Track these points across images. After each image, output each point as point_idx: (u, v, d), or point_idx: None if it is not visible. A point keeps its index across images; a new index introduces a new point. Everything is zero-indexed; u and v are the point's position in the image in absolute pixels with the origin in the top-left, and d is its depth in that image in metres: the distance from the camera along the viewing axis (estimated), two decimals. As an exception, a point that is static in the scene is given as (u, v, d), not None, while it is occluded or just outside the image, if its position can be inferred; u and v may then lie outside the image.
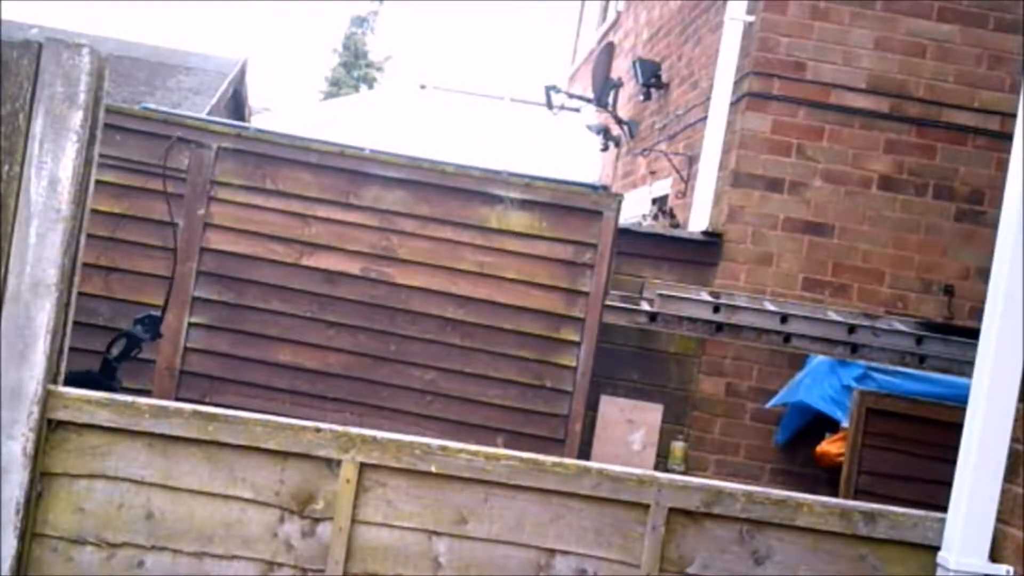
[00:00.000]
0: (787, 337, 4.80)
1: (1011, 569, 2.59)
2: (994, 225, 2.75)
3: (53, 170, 2.64)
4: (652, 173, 7.95)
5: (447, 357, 4.63)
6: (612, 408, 5.75)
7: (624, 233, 5.20)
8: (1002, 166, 4.08)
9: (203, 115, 7.65)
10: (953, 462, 2.70)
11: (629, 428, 5.77)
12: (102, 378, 3.66)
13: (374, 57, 31.86)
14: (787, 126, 5.96)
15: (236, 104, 14.71)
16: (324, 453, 2.73)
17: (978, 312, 2.86)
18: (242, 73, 14.70)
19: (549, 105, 10.03)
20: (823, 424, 5.45)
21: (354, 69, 31.08)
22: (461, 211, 4.66)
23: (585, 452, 5.37)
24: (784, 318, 4.79)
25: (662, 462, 5.70)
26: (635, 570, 2.74)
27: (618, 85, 9.03)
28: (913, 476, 4.58)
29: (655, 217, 7.25)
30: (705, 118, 6.34)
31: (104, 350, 3.79)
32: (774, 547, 2.75)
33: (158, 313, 3.92)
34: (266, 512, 2.73)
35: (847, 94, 5.95)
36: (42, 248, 2.64)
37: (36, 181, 2.64)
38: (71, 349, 2.81)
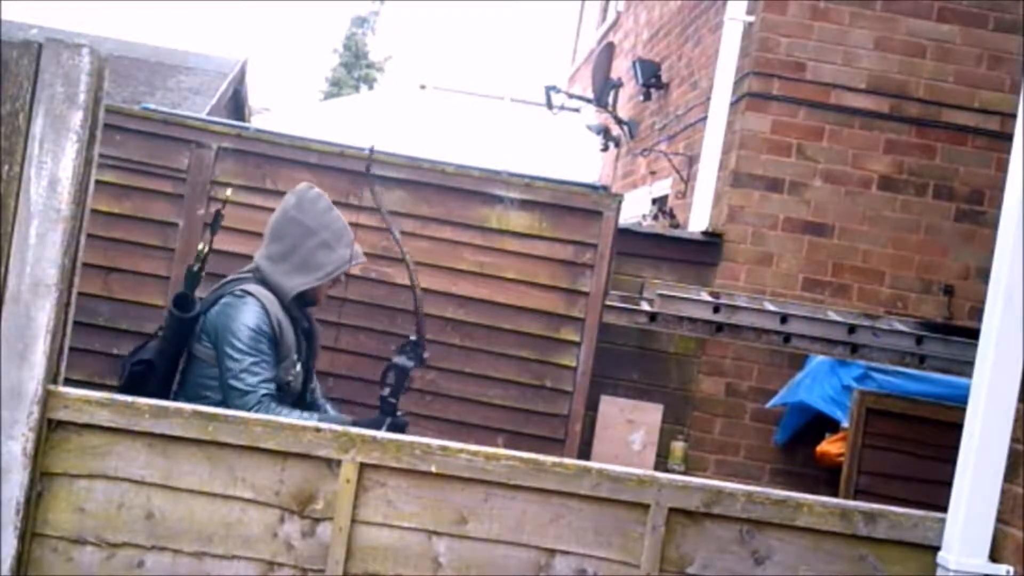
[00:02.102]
0: (787, 337, 4.80)
1: (1011, 569, 2.59)
2: (994, 225, 2.75)
3: (53, 170, 2.64)
4: (652, 173, 7.95)
5: (447, 357, 4.63)
6: (612, 408, 5.75)
7: (624, 233, 5.20)
8: (1002, 166, 4.08)
9: (203, 115, 7.65)
10: (953, 462, 2.70)
11: (629, 428, 5.77)
12: (392, 417, 3.54)
13: (374, 57, 31.89)
14: (787, 126, 5.96)
15: (236, 104, 14.72)
16: (324, 453, 2.73)
17: (978, 312, 2.87)
18: (242, 73, 14.72)
19: (549, 105, 10.03)
20: (823, 424, 5.45)
21: (354, 69, 31.10)
22: (461, 211, 4.65)
23: (585, 452, 5.37)
24: (784, 318, 4.79)
25: (662, 462, 5.70)
26: (635, 570, 2.74)
27: (618, 85, 9.03)
28: (913, 476, 4.58)
29: (655, 217, 7.25)
30: (705, 118, 6.34)
31: (380, 388, 3.64)
32: (774, 547, 2.75)
33: (414, 337, 3.74)
34: (266, 512, 2.73)
35: (847, 94, 5.95)
36: (42, 248, 2.64)
37: (36, 181, 2.64)
38: (71, 349, 2.81)
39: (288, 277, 3.46)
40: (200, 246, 3.62)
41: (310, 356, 3.65)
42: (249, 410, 3.22)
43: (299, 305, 3.54)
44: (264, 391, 3.31)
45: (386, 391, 3.59)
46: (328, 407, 3.79)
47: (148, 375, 3.45)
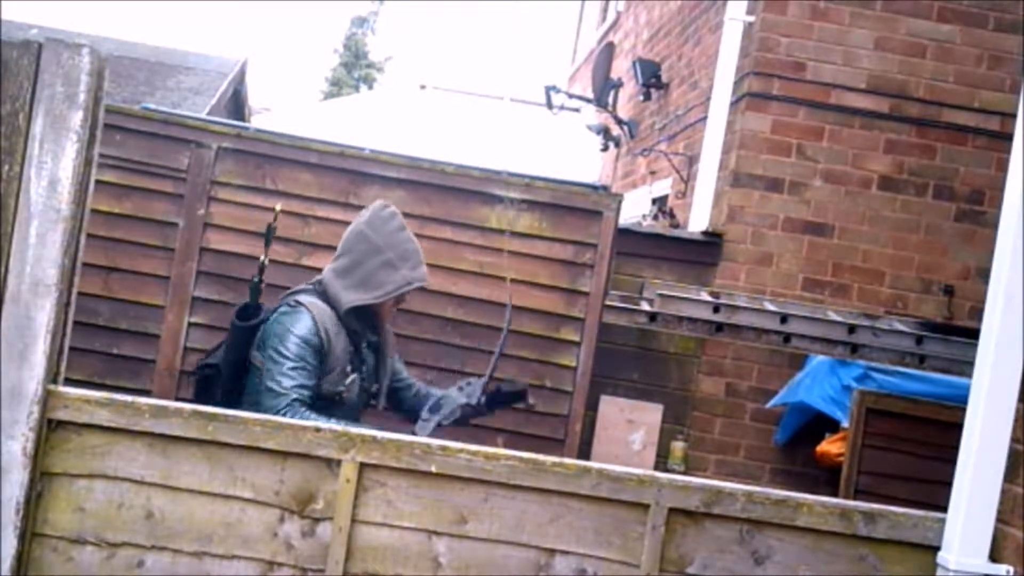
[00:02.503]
0: (787, 337, 4.80)
1: (1011, 569, 2.59)
2: (994, 225, 2.75)
3: (53, 170, 2.64)
4: (652, 173, 7.95)
5: (447, 357, 4.63)
6: (612, 408, 5.75)
7: (624, 233, 5.20)
8: (1002, 166, 4.08)
9: (203, 115, 7.65)
10: (953, 462, 2.70)
11: (629, 428, 5.77)
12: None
13: (374, 57, 31.91)
14: (787, 126, 5.96)
15: (236, 104, 14.73)
16: (324, 453, 2.73)
17: (978, 312, 2.86)
18: (242, 73, 14.72)
19: (549, 105, 10.03)
20: (823, 424, 5.45)
21: (354, 69, 31.11)
22: (461, 211, 4.65)
23: (585, 452, 5.37)
24: (784, 318, 4.79)
25: (662, 462, 5.70)
26: (635, 570, 2.74)
27: (618, 85, 9.04)
28: (913, 476, 4.58)
29: (655, 217, 7.25)
30: (705, 118, 6.34)
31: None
32: (774, 547, 2.75)
33: (480, 379, 3.75)
34: (266, 512, 2.73)
35: (847, 94, 5.95)
36: (42, 248, 2.64)
37: (36, 181, 2.64)
38: (71, 349, 2.81)
39: (347, 291, 3.49)
40: (261, 258, 3.69)
41: (379, 370, 3.65)
42: (278, 412, 3.25)
43: (363, 320, 3.55)
44: (296, 396, 3.33)
45: (431, 414, 3.64)
46: (433, 389, 3.84)
47: (215, 379, 3.53)
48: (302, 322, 3.42)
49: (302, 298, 3.51)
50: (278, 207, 3.92)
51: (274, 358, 3.38)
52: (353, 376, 3.53)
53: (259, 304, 3.60)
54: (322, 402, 3.43)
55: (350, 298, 3.48)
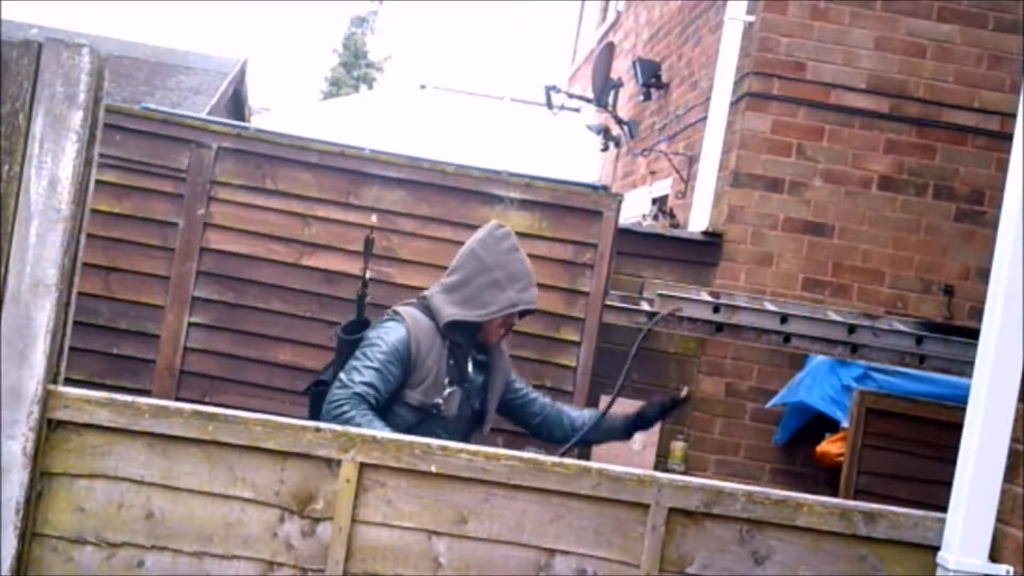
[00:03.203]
0: (787, 337, 4.80)
1: (1011, 569, 2.59)
2: (994, 225, 2.75)
3: (53, 170, 2.64)
4: (652, 173, 7.95)
5: (447, 357, 4.63)
6: (612, 408, 5.73)
7: (624, 233, 5.20)
8: (1002, 166, 4.08)
9: (203, 115, 7.65)
10: (953, 462, 2.70)
11: (629, 428, 5.75)
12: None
13: (374, 57, 31.91)
14: (787, 126, 5.96)
15: (236, 104, 14.73)
16: (324, 453, 2.73)
17: (978, 312, 2.86)
18: (242, 73, 14.73)
19: (549, 105, 10.04)
20: (823, 424, 5.45)
21: (354, 69, 31.11)
22: (461, 211, 4.66)
23: (585, 452, 5.37)
24: (784, 318, 4.79)
25: (662, 462, 5.70)
26: (635, 570, 2.74)
27: (618, 85, 9.03)
28: (913, 476, 4.58)
29: (655, 217, 7.25)
30: (705, 118, 6.34)
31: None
32: (774, 547, 2.75)
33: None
34: (266, 512, 2.73)
35: (847, 94, 5.95)
36: (42, 248, 2.64)
37: (36, 181, 2.64)
38: (71, 349, 2.81)
39: (449, 306, 3.51)
40: (364, 273, 3.77)
41: (487, 388, 3.64)
42: (334, 402, 3.30)
43: (467, 336, 3.54)
44: (361, 391, 3.34)
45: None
46: (566, 410, 3.88)
47: (324, 395, 3.55)
48: (394, 331, 3.45)
49: (401, 309, 3.56)
50: (373, 219, 4.02)
51: (358, 356, 3.43)
52: (453, 390, 3.50)
53: (364, 318, 3.65)
54: (419, 414, 3.43)
55: (451, 312, 3.49)
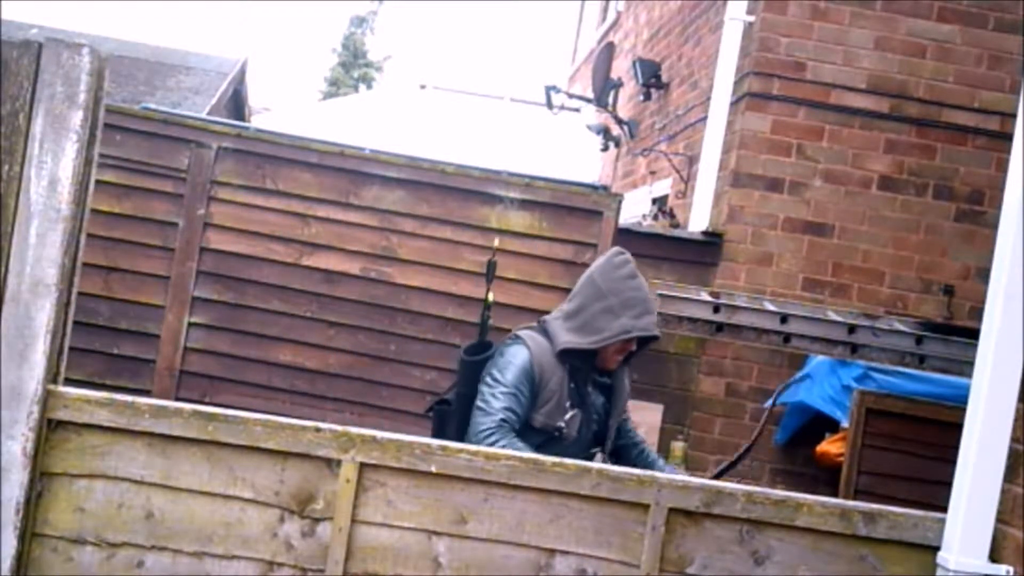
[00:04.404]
0: (787, 337, 4.80)
1: (1011, 569, 2.59)
2: (994, 225, 2.74)
3: (53, 170, 2.64)
4: (652, 173, 7.95)
5: (447, 357, 4.63)
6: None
7: (624, 233, 5.20)
8: (1002, 166, 4.08)
9: (203, 115, 7.65)
10: (953, 462, 2.70)
11: (629, 428, 5.76)
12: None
13: (374, 57, 31.89)
14: (787, 126, 5.96)
15: (236, 104, 14.73)
16: (324, 453, 2.72)
17: (978, 312, 2.86)
18: (242, 73, 14.73)
19: (549, 105, 10.03)
20: (823, 424, 5.45)
21: (353, 69, 31.10)
22: (461, 211, 4.66)
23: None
24: (784, 318, 4.79)
25: (662, 462, 5.69)
26: (635, 570, 2.73)
27: (618, 85, 9.04)
28: (913, 476, 4.58)
29: (655, 217, 7.25)
30: (705, 118, 6.34)
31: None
32: (774, 547, 2.75)
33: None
34: (266, 512, 2.73)
35: (847, 94, 5.95)
36: (42, 248, 2.64)
37: (36, 181, 2.64)
38: (71, 349, 2.81)
39: (564, 333, 3.53)
40: (487, 296, 3.85)
41: (609, 413, 3.65)
42: (482, 431, 3.33)
43: (584, 362, 3.55)
44: (503, 417, 3.36)
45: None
46: (659, 462, 3.86)
47: (449, 415, 3.59)
48: (520, 354, 3.47)
49: (522, 333, 3.58)
50: (496, 242, 4.11)
51: (488, 382, 3.45)
52: (574, 412, 3.51)
53: (487, 340, 3.68)
54: (541, 437, 3.44)
55: (566, 339, 3.50)
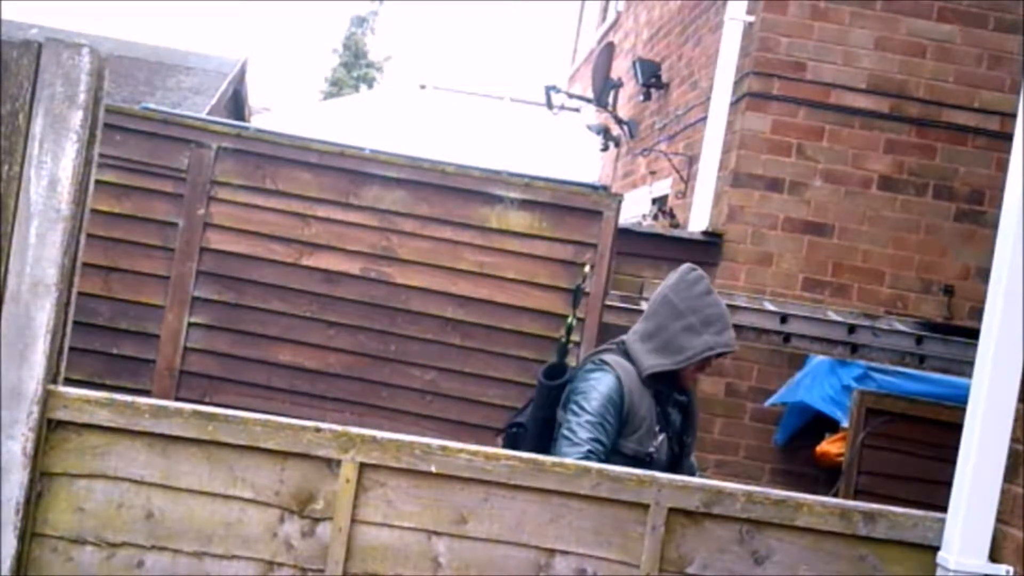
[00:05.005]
0: (787, 337, 4.81)
1: (1011, 569, 2.59)
2: (994, 225, 2.75)
3: (53, 170, 2.64)
4: (652, 173, 7.95)
5: (447, 357, 4.64)
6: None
7: (624, 233, 5.20)
8: (1002, 166, 4.08)
9: (203, 115, 7.65)
10: (953, 462, 2.70)
11: (629, 428, 5.75)
12: None
13: (374, 57, 31.90)
14: (787, 126, 5.96)
15: (236, 104, 14.72)
16: (324, 453, 2.72)
17: (978, 312, 2.86)
18: (242, 73, 14.72)
19: (549, 105, 10.04)
20: (823, 424, 5.45)
21: (354, 69, 31.10)
22: (461, 211, 4.66)
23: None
24: (784, 318, 4.80)
25: (662, 462, 5.69)
26: (635, 570, 2.73)
27: (618, 85, 9.04)
28: (913, 476, 4.58)
29: (655, 217, 7.25)
30: (705, 118, 6.34)
31: None
32: (774, 547, 2.75)
33: None
34: (266, 512, 2.73)
35: (847, 94, 5.95)
36: (42, 248, 2.64)
37: (36, 181, 2.64)
38: (71, 349, 2.81)
39: (648, 356, 3.49)
40: (569, 319, 3.84)
41: (685, 431, 3.63)
42: None
43: (667, 382, 3.53)
44: (591, 448, 3.31)
45: None
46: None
47: (522, 437, 3.55)
48: (606, 381, 3.42)
49: (607, 357, 3.52)
50: (586, 269, 4.17)
51: (574, 411, 3.39)
52: (662, 436, 3.49)
53: (565, 363, 3.64)
54: (633, 463, 3.37)
55: (651, 363, 3.47)
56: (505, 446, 3.58)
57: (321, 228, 4.66)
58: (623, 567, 2.74)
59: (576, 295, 3.87)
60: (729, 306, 4.82)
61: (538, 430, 3.51)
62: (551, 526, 2.74)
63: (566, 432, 3.36)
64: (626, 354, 3.53)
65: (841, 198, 5.95)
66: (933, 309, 5.88)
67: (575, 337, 4.64)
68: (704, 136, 6.27)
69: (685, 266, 3.66)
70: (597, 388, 3.40)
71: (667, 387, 3.51)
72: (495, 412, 4.62)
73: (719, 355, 3.53)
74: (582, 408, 3.37)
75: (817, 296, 5.86)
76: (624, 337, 3.61)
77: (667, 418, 3.52)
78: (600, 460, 3.28)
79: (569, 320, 3.81)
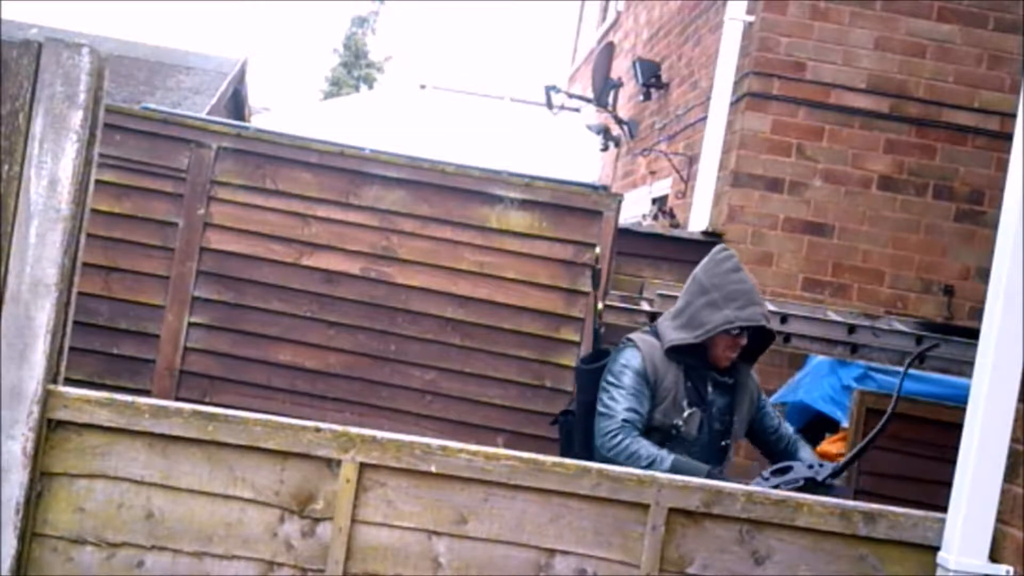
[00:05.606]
0: (787, 337, 4.80)
1: (1011, 569, 2.59)
2: (994, 225, 2.75)
3: (53, 170, 2.64)
4: (652, 173, 7.95)
5: (447, 357, 4.63)
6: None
7: (624, 233, 5.20)
8: (1002, 166, 4.08)
9: (203, 115, 7.65)
10: (953, 462, 2.70)
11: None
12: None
13: (374, 57, 31.88)
14: (787, 126, 5.96)
15: (236, 104, 14.73)
16: (324, 453, 2.72)
17: (978, 312, 2.86)
18: (242, 73, 14.73)
19: (549, 105, 10.04)
20: (823, 424, 5.45)
21: (354, 69, 31.09)
22: (461, 211, 4.65)
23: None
24: (784, 318, 4.79)
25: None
26: (635, 570, 2.73)
27: (618, 85, 9.04)
28: (913, 476, 4.57)
29: (655, 217, 7.25)
30: (705, 118, 6.34)
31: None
32: (774, 547, 2.75)
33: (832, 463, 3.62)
34: (266, 512, 2.73)
35: (847, 94, 5.96)
36: (42, 248, 2.64)
37: (36, 181, 2.64)
38: (71, 349, 2.81)
39: (671, 331, 3.59)
40: (598, 306, 3.95)
41: (731, 413, 3.65)
42: (607, 433, 3.40)
43: (697, 358, 3.57)
44: (626, 417, 3.43)
45: (773, 476, 3.55)
46: (802, 451, 3.83)
47: (572, 424, 3.66)
48: (628, 354, 3.55)
49: (634, 336, 3.66)
50: (597, 250, 4.25)
51: (605, 387, 3.51)
52: (692, 411, 3.53)
53: (602, 348, 3.73)
54: (659, 435, 3.48)
55: (671, 336, 3.56)
56: (560, 435, 3.73)
57: (321, 228, 4.66)
58: (623, 567, 2.74)
59: (594, 275, 3.95)
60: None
61: (585, 414, 3.61)
62: (551, 526, 2.74)
63: (601, 408, 3.48)
64: (655, 333, 3.65)
65: (841, 198, 5.95)
66: (933, 309, 5.88)
67: (575, 338, 4.65)
68: (704, 136, 6.27)
69: (717, 246, 3.77)
70: (621, 362, 3.53)
71: (699, 363, 3.57)
72: (495, 412, 4.62)
73: (741, 330, 3.55)
74: (613, 384, 3.50)
75: (817, 296, 5.86)
76: (659, 319, 3.74)
77: (701, 395, 3.57)
78: (637, 428, 3.42)
79: (598, 306, 3.93)
